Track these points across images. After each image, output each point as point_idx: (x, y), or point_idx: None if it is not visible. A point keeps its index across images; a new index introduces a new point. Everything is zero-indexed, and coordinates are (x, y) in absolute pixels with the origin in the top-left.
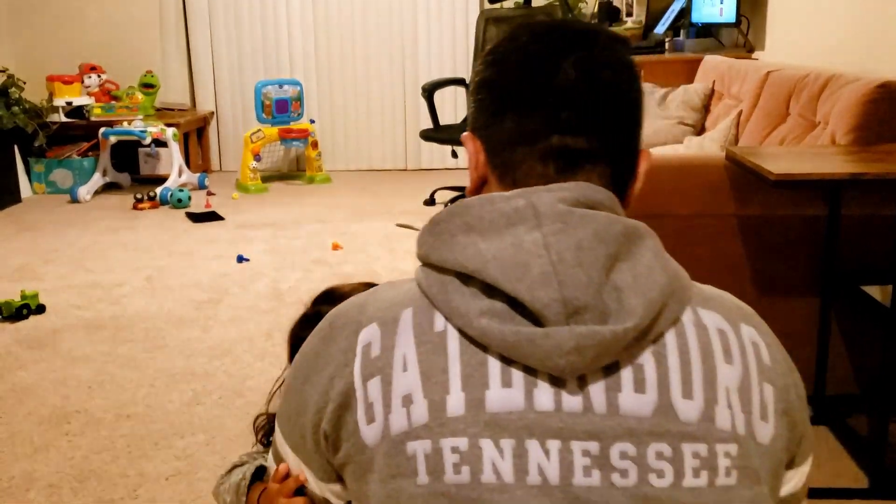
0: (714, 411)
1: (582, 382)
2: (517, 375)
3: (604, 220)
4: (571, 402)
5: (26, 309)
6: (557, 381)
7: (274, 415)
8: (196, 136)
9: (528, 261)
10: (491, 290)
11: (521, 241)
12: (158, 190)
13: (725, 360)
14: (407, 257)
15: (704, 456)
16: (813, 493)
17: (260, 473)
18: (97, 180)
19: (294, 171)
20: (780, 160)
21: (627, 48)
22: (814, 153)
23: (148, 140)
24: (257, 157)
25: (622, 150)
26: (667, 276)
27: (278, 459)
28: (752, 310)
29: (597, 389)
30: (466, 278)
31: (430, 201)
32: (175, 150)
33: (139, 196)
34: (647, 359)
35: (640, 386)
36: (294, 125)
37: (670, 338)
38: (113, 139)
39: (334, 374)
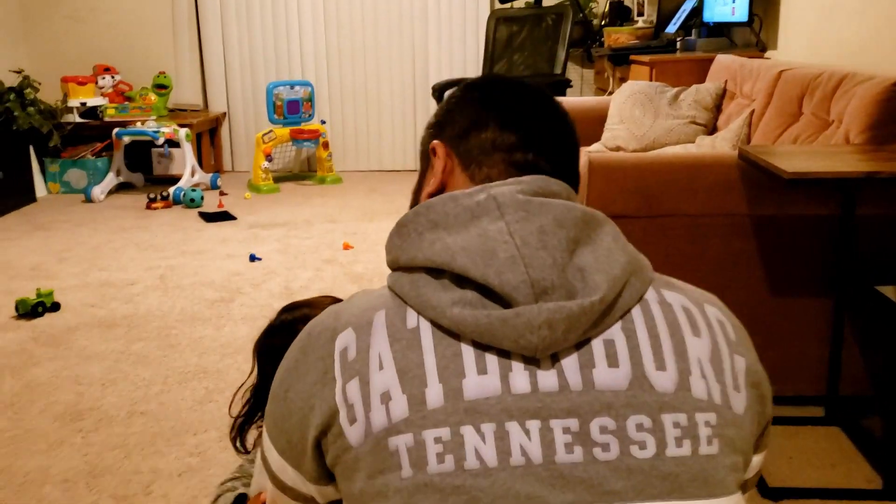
0: (689, 381)
1: (556, 362)
2: (492, 361)
3: (562, 207)
4: (547, 382)
5: (41, 307)
6: (532, 363)
7: (238, 419)
8: (209, 136)
9: (494, 248)
10: (461, 281)
11: (486, 231)
12: (171, 190)
13: (693, 334)
14: None
15: (685, 425)
16: (826, 493)
17: (242, 500)
18: (111, 180)
19: (305, 172)
20: (794, 159)
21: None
22: (828, 152)
23: (161, 140)
24: (269, 158)
25: (574, 174)
26: (627, 256)
27: (265, 461)
28: (714, 296)
29: (571, 368)
30: (437, 273)
31: None
32: (188, 150)
33: (152, 196)
34: (616, 334)
35: (612, 360)
36: (305, 126)
37: (637, 313)
38: (126, 139)
39: (315, 381)
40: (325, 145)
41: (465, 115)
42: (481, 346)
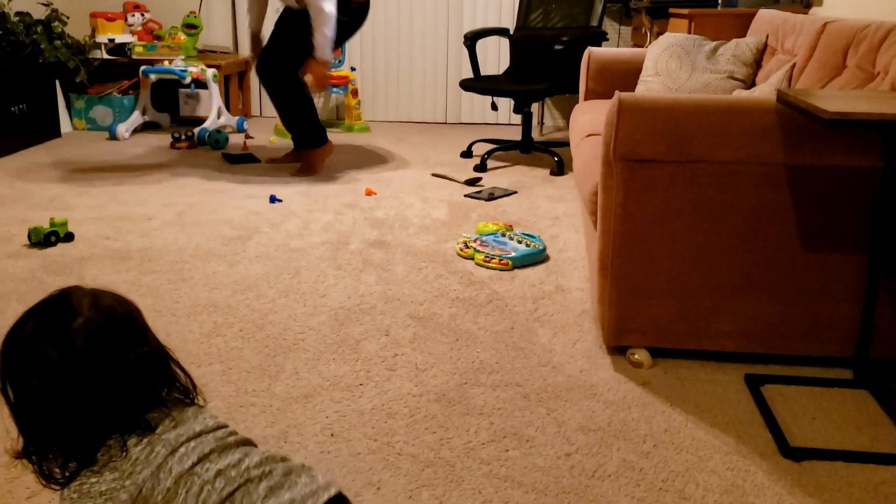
0: None
1: None
2: None
3: None
4: None
5: (54, 236)
6: None
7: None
8: (237, 80)
9: None
10: None
11: None
12: (196, 130)
13: None
14: (440, 206)
15: None
16: (850, 456)
17: None
18: (136, 118)
19: (333, 120)
20: (837, 101)
21: None
22: (873, 97)
23: (188, 79)
24: None
25: None
26: None
27: None
28: None
29: None
30: None
31: (468, 153)
32: (215, 91)
33: (177, 135)
34: None
35: None
36: (335, 72)
37: None
38: (153, 77)
39: None
40: (355, 93)
41: None
42: None
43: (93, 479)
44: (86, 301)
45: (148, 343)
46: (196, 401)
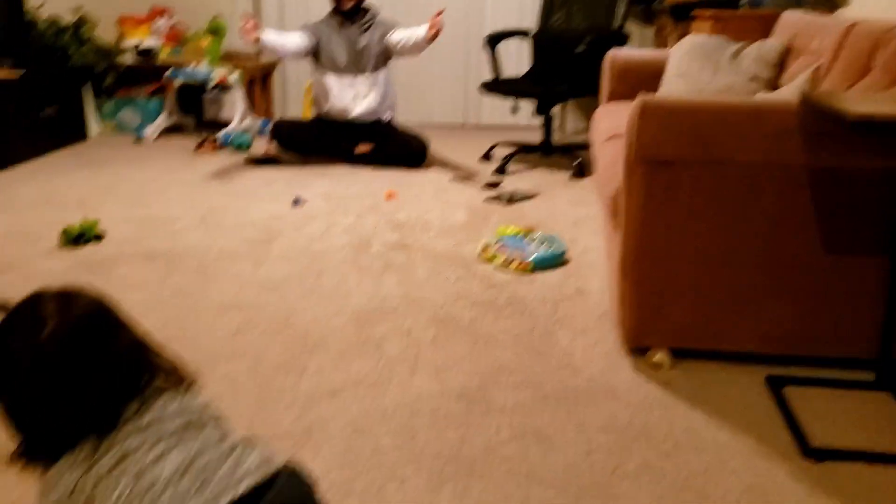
0: None
1: None
2: None
3: None
4: None
5: (84, 237)
6: None
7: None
8: (261, 83)
9: None
10: None
11: None
12: (220, 133)
13: None
14: (459, 209)
15: None
16: (872, 457)
17: None
18: (162, 121)
19: None
20: (861, 103)
21: None
22: None
23: (212, 83)
24: None
25: None
26: None
27: None
28: None
29: None
30: None
31: (487, 157)
32: (239, 94)
33: (201, 139)
34: None
35: None
36: None
37: None
38: (178, 81)
39: None
40: None
41: None
42: None
43: (65, 473)
44: (52, 306)
45: (121, 341)
46: (183, 384)
